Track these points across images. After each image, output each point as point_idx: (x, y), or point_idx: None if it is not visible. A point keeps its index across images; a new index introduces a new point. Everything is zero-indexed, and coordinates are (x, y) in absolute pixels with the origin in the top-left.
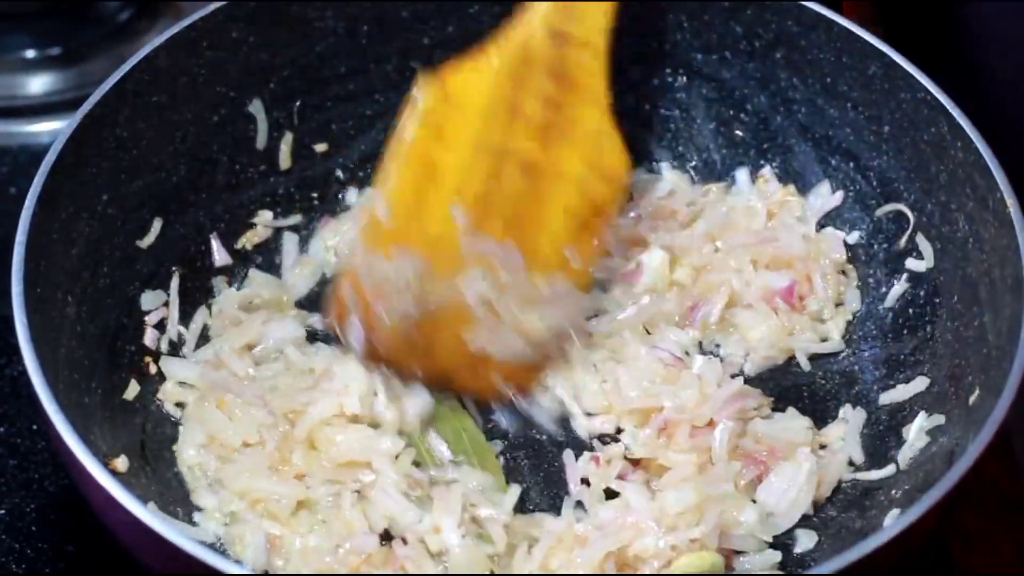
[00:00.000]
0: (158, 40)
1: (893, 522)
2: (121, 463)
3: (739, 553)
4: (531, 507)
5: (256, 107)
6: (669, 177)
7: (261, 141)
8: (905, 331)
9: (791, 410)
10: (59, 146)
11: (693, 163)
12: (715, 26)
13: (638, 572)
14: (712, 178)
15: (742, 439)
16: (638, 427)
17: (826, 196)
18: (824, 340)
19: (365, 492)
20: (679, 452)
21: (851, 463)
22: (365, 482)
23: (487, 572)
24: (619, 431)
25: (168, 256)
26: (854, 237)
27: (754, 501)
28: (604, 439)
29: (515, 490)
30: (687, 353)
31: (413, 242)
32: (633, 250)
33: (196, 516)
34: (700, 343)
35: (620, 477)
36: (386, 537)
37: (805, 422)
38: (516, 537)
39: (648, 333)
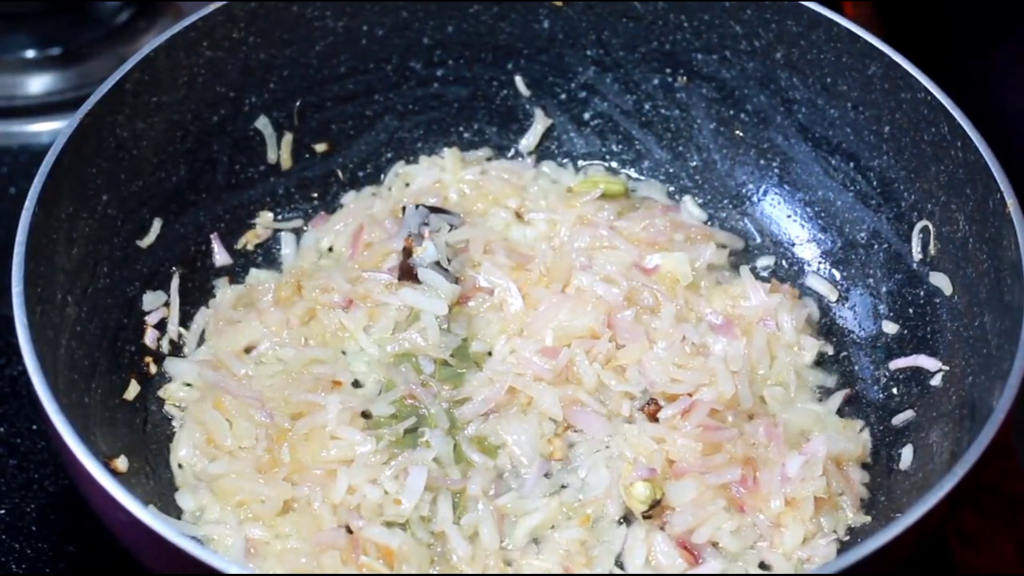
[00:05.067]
0: (158, 40)
1: (893, 522)
2: (121, 463)
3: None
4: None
5: (263, 123)
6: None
7: (272, 155)
8: (905, 331)
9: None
10: (59, 146)
11: (694, 163)
12: (715, 26)
13: None
14: (713, 179)
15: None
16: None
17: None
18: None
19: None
20: (686, 438)
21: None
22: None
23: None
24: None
25: (168, 256)
26: (854, 237)
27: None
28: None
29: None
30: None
31: None
32: (649, 250)
33: (183, 515)
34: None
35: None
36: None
37: (818, 408)
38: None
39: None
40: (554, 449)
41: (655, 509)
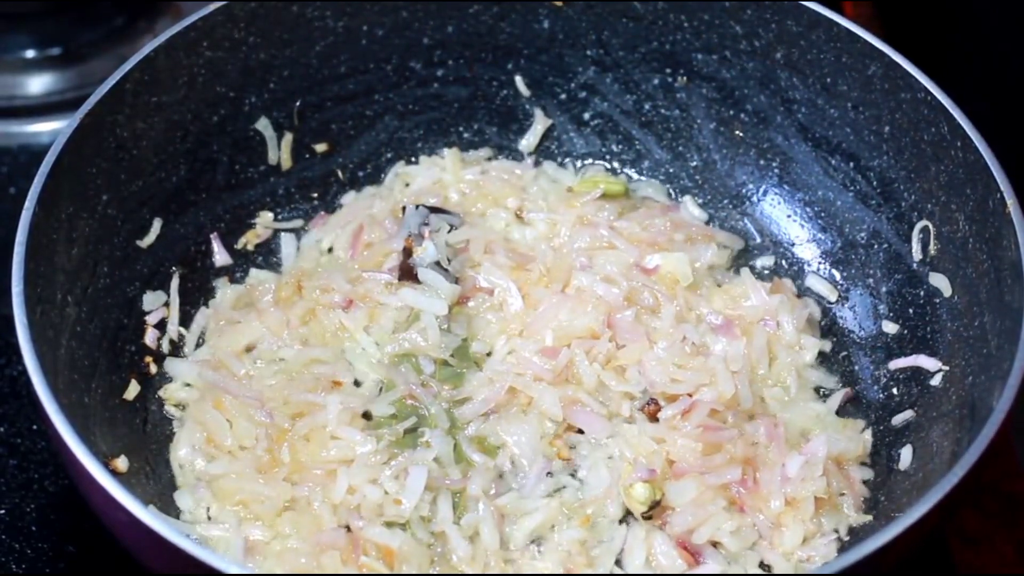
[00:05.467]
0: (158, 40)
1: (893, 522)
2: (121, 463)
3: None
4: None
5: (263, 124)
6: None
7: (273, 157)
8: (905, 331)
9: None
10: (59, 146)
11: (694, 163)
12: (715, 26)
13: None
14: (714, 179)
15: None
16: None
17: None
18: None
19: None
20: (686, 439)
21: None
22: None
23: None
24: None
25: (168, 256)
26: (854, 237)
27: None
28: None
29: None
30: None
31: None
32: (649, 250)
33: (183, 515)
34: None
35: None
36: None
37: (819, 408)
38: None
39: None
40: (559, 450)
41: (655, 510)
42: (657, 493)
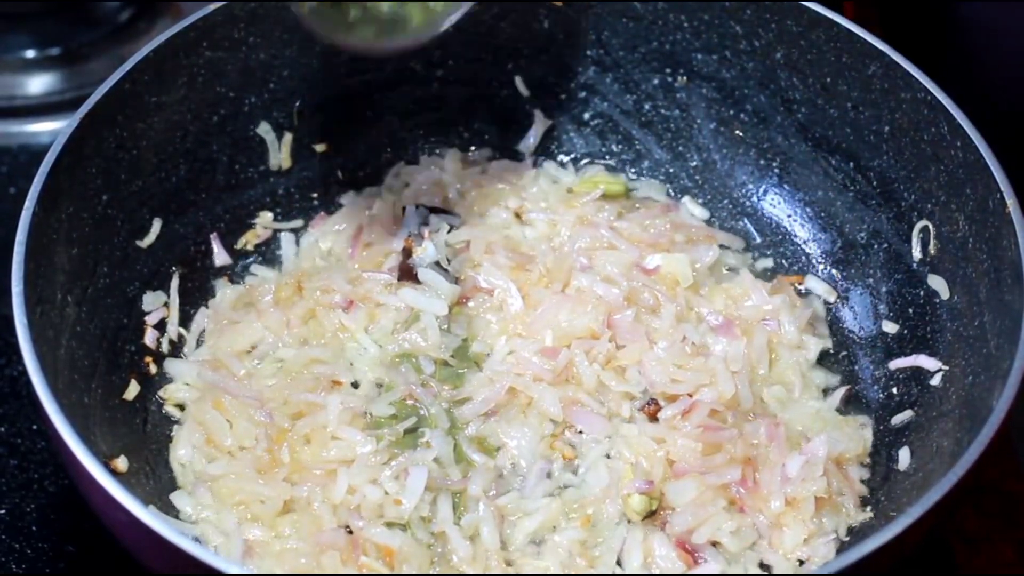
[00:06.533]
0: (158, 40)
1: (893, 522)
2: (121, 463)
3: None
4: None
5: (264, 129)
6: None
7: (274, 161)
8: (905, 331)
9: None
10: (59, 146)
11: (694, 163)
12: (715, 26)
13: None
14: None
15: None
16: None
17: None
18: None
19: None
20: (686, 439)
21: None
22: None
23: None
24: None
25: (168, 256)
26: (854, 238)
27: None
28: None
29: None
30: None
31: None
32: (649, 250)
33: (181, 515)
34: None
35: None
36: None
37: (819, 407)
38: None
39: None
40: (563, 451)
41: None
42: (654, 504)
